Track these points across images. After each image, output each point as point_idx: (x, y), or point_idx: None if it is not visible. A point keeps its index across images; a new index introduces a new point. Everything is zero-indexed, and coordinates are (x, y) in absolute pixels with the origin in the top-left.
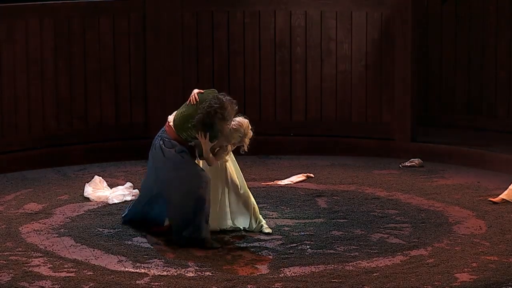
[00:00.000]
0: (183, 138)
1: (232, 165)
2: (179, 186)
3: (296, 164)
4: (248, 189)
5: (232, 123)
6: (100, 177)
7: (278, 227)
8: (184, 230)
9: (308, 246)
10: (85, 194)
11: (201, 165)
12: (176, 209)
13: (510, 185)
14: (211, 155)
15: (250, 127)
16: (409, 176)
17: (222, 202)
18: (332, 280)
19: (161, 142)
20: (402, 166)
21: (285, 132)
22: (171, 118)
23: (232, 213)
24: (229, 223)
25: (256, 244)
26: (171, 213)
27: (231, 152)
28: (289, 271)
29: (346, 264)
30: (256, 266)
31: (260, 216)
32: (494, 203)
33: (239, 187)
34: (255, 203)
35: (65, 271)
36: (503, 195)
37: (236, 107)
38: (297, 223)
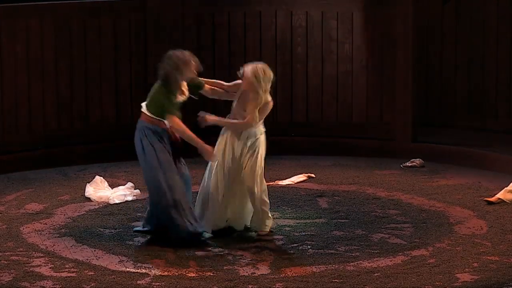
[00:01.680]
0: (159, 116)
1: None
2: (152, 192)
3: (297, 164)
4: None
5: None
6: (101, 177)
7: (279, 227)
8: (170, 232)
9: (309, 246)
10: (86, 194)
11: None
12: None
13: (509, 185)
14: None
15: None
16: (410, 176)
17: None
18: (333, 280)
19: (141, 135)
20: (403, 166)
21: (286, 132)
22: (143, 105)
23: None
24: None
25: (257, 244)
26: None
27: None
28: (290, 271)
29: (347, 264)
30: (257, 266)
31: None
32: (490, 203)
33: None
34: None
35: (66, 271)
36: (500, 195)
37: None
38: (298, 223)
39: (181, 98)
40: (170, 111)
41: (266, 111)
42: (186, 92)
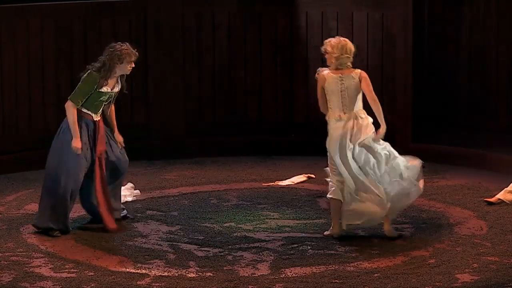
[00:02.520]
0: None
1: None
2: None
3: (297, 164)
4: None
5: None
6: None
7: (279, 228)
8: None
9: (309, 247)
10: None
11: None
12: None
13: (509, 185)
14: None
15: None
16: None
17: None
18: (333, 281)
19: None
20: None
21: (286, 132)
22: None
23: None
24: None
25: (257, 244)
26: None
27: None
28: (290, 272)
29: (347, 264)
30: (257, 266)
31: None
32: (490, 203)
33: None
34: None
35: (66, 271)
36: (500, 195)
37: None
38: (298, 223)
39: (108, 89)
40: (73, 98)
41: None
42: (118, 88)
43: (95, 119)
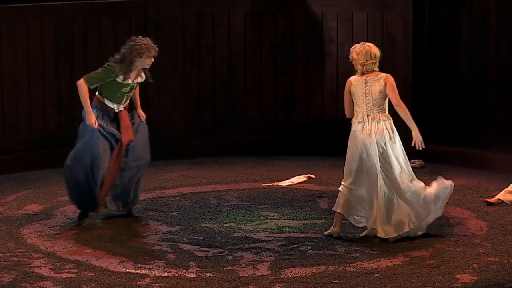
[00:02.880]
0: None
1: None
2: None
3: (297, 165)
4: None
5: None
6: None
7: (279, 228)
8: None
9: (309, 247)
10: None
11: None
12: None
13: (509, 186)
14: None
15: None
16: None
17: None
18: (333, 281)
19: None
20: None
21: (286, 132)
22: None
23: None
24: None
25: (257, 245)
26: None
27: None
28: (290, 272)
29: (347, 265)
30: (257, 267)
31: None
32: (490, 203)
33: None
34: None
35: (66, 272)
36: (500, 196)
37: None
38: (298, 224)
39: (129, 81)
40: (87, 77)
41: None
42: (141, 78)
43: (116, 111)
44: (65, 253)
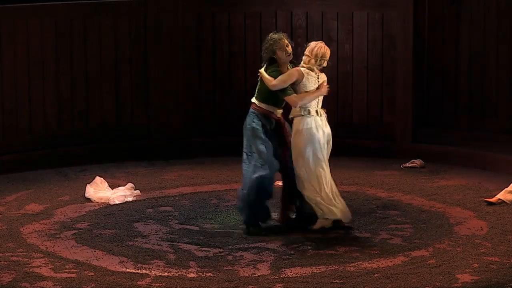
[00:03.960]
0: (268, 105)
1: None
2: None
3: None
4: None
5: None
6: (101, 178)
7: (279, 228)
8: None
9: (309, 247)
10: (86, 195)
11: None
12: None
13: (509, 185)
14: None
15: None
16: (410, 177)
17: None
18: (333, 281)
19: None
20: (403, 167)
21: None
22: (253, 99)
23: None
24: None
25: (257, 244)
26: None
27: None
28: (290, 272)
29: (347, 264)
30: (257, 266)
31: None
32: (490, 203)
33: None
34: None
35: (66, 271)
36: (500, 195)
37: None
38: (298, 224)
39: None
40: (284, 92)
41: None
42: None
43: (277, 116)
44: (65, 253)
